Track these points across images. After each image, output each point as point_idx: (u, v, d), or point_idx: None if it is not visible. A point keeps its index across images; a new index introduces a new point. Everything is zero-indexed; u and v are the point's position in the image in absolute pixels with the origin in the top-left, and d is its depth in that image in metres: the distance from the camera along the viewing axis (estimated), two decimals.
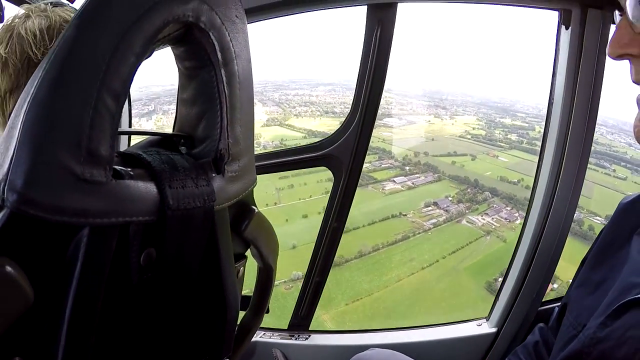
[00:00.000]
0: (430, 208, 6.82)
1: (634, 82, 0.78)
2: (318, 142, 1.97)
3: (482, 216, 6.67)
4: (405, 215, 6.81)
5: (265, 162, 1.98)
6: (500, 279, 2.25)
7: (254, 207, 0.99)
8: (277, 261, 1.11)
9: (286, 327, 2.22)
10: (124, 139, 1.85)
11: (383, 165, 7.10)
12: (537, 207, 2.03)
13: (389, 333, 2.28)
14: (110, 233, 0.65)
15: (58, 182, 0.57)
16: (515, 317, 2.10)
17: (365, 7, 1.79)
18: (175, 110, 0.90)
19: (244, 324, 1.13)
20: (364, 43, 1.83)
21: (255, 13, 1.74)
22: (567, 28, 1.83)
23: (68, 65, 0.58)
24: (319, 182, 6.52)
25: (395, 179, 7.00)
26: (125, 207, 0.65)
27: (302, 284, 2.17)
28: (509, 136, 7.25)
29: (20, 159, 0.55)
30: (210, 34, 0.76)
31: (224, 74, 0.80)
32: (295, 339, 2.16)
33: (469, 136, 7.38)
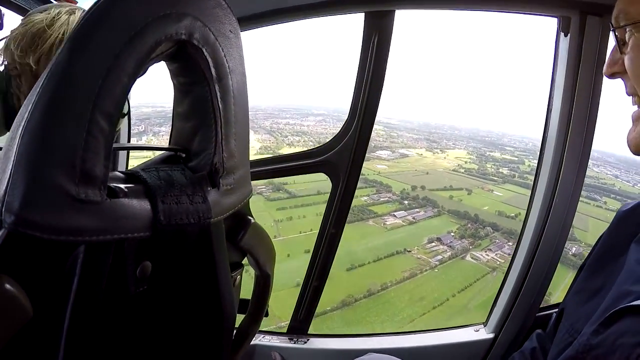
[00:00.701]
0: (434, 244, 6.87)
1: (627, 94, 0.90)
2: (316, 148, 1.98)
3: (485, 252, 6.76)
4: (410, 251, 6.84)
5: (264, 168, 1.99)
6: None
7: (249, 217, 1.00)
8: (274, 269, 1.12)
9: (285, 331, 2.23)
10: (122, 152, 1.87)
11: (382, 199, 7.16)
12: (535, 212, 2.04)
13: (386, 338, 2.29)
14: (106, 249, 0.66)
15: (54, 203, 0.58)
16: (512, 323, 2.11)
17: (363, 15, 1.80)
18: (170, 126, 0.91)
19: (242, 329, 1.13)
20: (362, 50, 1.84)
21: (251, 21, 1.75)
22: (566, 35, 1.84)
23: (61, 88, 0.59)
24: (318, 214, 6.53)
25: (395, 213, 7.06)
26: (119, 225, 0.66)
27: (300, 288, 2.19)
28: (500, 170, 7.36)
29: (16, 181, 0.56)
30: (204, 50, 0.77)
31: (218, 90, 0.81)
32: (294, 343, 2.17)
33: (462, 170, 7.48)
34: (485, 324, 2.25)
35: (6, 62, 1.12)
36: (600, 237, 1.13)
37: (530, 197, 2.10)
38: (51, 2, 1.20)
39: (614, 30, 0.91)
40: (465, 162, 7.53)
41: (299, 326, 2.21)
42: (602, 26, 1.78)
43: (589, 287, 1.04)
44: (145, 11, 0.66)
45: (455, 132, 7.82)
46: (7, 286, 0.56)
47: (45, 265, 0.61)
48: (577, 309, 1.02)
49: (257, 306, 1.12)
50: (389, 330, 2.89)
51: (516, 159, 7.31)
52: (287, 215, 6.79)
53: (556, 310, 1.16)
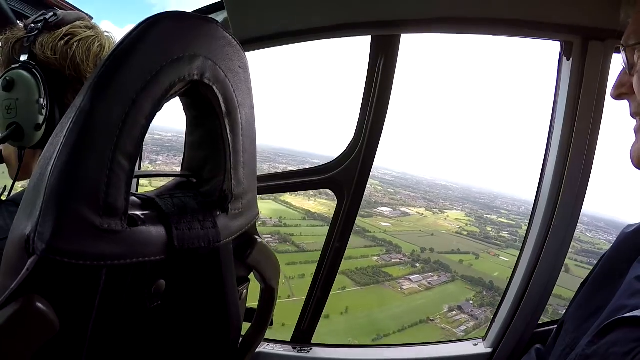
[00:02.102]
0: (455, 312, 6.79)
1: (631, 115, 0.92)
2: (322, 165, 2.03)
3: None
4: (433, 320, 6.75)
5: (271, 184, 2.04)
6: None
7: (256, 236, 1.06)
8: (279, 283, 1.17)
9: (289, 340, 2.26)
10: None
11: (393, 260, 7.12)
12: (535, 229, 2.06)
13: (388, 349, 2.32)
14: (125, 270, 0.73)
15: (80, 233, 0.65)
16: (511, 337, 2.13)
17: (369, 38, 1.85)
18: (183, 154, 0.97)
19: (248, 338, 1.18)
20: (368, 73, 1.90)
21: (258, 43, 1.80)
22: (568, 59, 1.86)
23: (85, 133, 0.65)
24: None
25: (410, 277, 7.00)
26: (138, 250, 0.73)
27: (305, 299, 2.22)
28: (501, 234, 7.30)
29: (47, 214, 0.62)
30: (215, 87, 0.83)
31: (228, 123, 0.87)
32: (298, 352, 2.19)
33: (465, 232, 7.44)
34: (484, 338, 2.27)
35: (71, 75, 1.10)
36: (603, 256, 1.14)
37: (532, 212, 2.12)
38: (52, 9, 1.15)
39: (624, 51, 0.92)
40: (466, 225, 7.53)
41: (302, 336, 2.24)
42: (604, 51, 1.80)
43: (590, 304, 1.06)
44: (160, 57, 0.72)
45: (449, 192, 7.83)
46: (38, 304, 0.63)
47: (72, 286, 0.67)
48: (578, 325, 1.04)
49: (262, 317, 1.18)
50: None
51: (513, 222, 7.33)
52: (298, 272, 6.72)
53: (555, 326, 1.17)
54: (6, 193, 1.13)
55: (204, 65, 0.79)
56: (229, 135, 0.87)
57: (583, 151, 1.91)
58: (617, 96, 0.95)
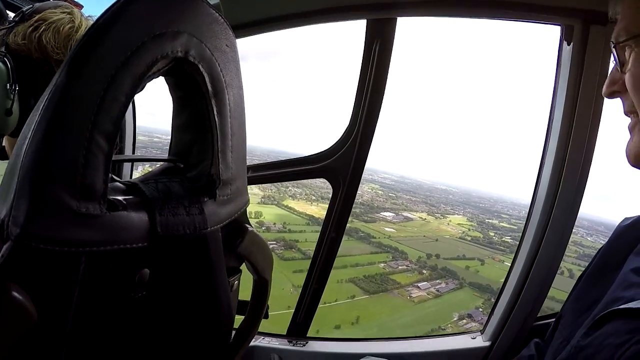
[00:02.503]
0: (465, 321, 6.79)
1: (625, 114, 0.91)
2: (316, 154, 2.00)
3: None
4: (445, 329, 6.74)
5: (266, 173, 2.01)
6: None
7: (247, 225, 1.02)
8: (272, 274, 1.13)
9: (284, 333, 2.24)
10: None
11: (400, 267, 7.14)
12: (534, 221, 2.03)
13: (384, 343, 2.31)
14: (106, 258, 0.69)
15: (56, 217, 0.61)
16: (509, 331, 2.12)
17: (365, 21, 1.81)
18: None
19: (241, 331, 1.16)
20: (363, 57, 1.85)
21: (250, 28, 1.76)
22: (568, 44, 1.83)
23: (60, 110, 0.61)
24: (340, 281, 6.56)
25: (419, 284, 7.02)
26: (118, 236, 0.69)
27: (300, 291, 2.20)
28: (504, 239, 7.35)
29: (21, 197, 0.59)
30: (200, 66, 0.79)
31: (215, 104, 0.83)
32: (293, 345, 2.18)
33: (468, 238, 7.49)
34: (482, 331, 2.26)
35: (37, 57, 1.11)
36: (600, 249, 1.14)
37: (530, 205, 2.10)
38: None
39: (614, 49, 0.91)
40: (469, 230, 7.57)
41: (298, 329, 2.23)
42: (606, 35, 1.76)
43: (587, 297, 1.05)
44: (140, 32, 0.68)
45: (450, 196, 7.87)
46: (14, 294, 0.59)
47: (49, 274, 0.64)
48: (575, 318, 1.04)
49: (256, 310, 1.14)
50: None
51: (515, 227, 7.37)
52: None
53: (553, 319, 1.17)
54: None
55: (189, 42, 0.75)
56: (216, 117, 0.84)
57: (584, 139, 1.88)
58: (610, 94, 0.94)
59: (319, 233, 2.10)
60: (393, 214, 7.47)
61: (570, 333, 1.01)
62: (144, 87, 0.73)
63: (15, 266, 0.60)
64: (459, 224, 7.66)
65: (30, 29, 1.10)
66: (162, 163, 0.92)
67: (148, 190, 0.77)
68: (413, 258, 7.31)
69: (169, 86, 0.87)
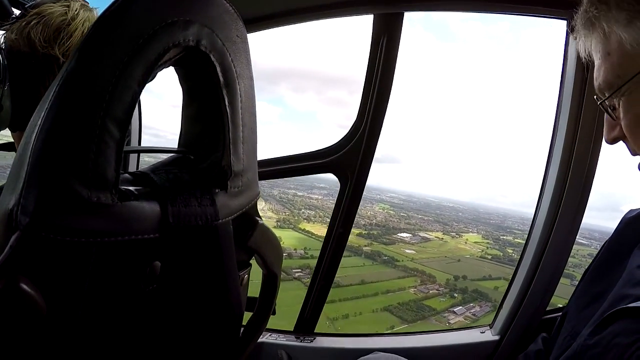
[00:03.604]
0: None
1: (632, 154, 0.92)
2: (324, 149, 1.99)
3: None
4: None
5: (273, 168, 2.01)
6: None
7: (257, 218, 1.02)
8: (281, 268, 1.13)
9: (292, 330, 2.24)
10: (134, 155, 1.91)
11: (431, 291, 7.03)
12: (543, 214, 2.03)
13: (392, 338, 2.32)
14: (117, 249, 0.68)
15: (67, 205, 0.60)
16: (518, 325, 2.11)
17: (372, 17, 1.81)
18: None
19: (250, 327, 1.15)
20: (370, 52, 1.85)
21: (258, 23, 1.77)
22: (575, 37, 1.82)
23: (72, 97, 0.61)
24: (375, 311, 6.41)
25: (454, 309, 6.91)
26: (130, 226, 0.68)
27: (307, 288, 2.20)
28: None
29: (31, 185, 0.58)
30: (211, 56, 0.78)
31: (226, 94, 0.82)
32: (301, 341, 2.17)
33: (489, 257, 7.40)
34: (491, 325, 2.25)
35: (26, 51, 1.10)
36: (604, 243, 1.14)
37: (539, 197, 2.10)
38: None
39: (601, 104, 0.92)
40: (487, 248, 7.47)
41: (305, 325, 2.22)
42: None
43: (591, 291, 1.05)
44: (153, 20, 0.68)
45: (459, 214, 7.78)
46: (23, 286, 0.58)
47: (59, 265, 0.62)
48: (579, 312, 1.04)
49: (265, 305, 1.14)
50: None
51: None
52: (341, 312, 6.32)
53: (561, 314, 1.17)
54: None
55: (200, 32, 0.75)
56: (227, 108, 0.83)
57: (592, 131, 1.88)
58: (612, 141, 0.95)
59: (327, 229, 2.09)
60: (410, 235, 7.36)
61: (574, 328, 1.01)
62: (155, 76, 0.73)
63: (24, 257, 0.59)
64: (475, 242, 7.56)
65: (24, 24, 1.10)
66: (170, 154, 0.91)
67: (159, 180, 0.77)
68: (441, 281, 7.20)
69: (179, 77, 0.87)
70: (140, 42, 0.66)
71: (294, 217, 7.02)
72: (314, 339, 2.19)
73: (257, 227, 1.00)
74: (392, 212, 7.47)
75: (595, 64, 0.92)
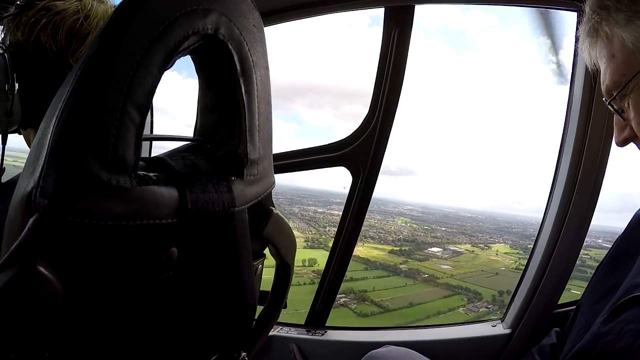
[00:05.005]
0: None
1: None
2: (336, 142, 2.00)
3: None
4: None
5: (284, 162, 2.01)
6: None
7: (272, 207, 1.02)
8: (294, 259, 1.14)
9: (303, 323, 2.25)
10: (146, 143, 1.91)
11: (481, 310, 6.89)
12: (554, 208, 2.03)
13: (403, 331, 2.32)
14: (135, 233, 0.68)
15: (86, 188, 0.61)
16: (529, 319, 2.11)
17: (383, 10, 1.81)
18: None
19: (262, 319, 1.15)
20: (382, 46, 1.86)
21: (271, 17, 1.77)
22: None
23: (93, 81, 0.61)
24: None
25: None
26: (148, 211, 0.68)
27: (319, 281, 2.21)
28: None
29: (50, 167, 0.58)
30: (229, 44, 0.79)
31: (243, 83, 0.83)
32: (312, 335, 2.18)
33: (523, 267, 7.23)
34: (502, 319, 2.25)
35: (36, 54, 1.03)
36: (617, 238, 1.15)
37: (550, 192, 2.09)
38: None
39: (609, 105, 0.95)
40: (519, 259, 7.32)
41: (316, 318, 2.23)
42: None
43: (605, 284, 1.06)
44: (173, 6, 0.68)
45: (480, 224, 7.63)
46: (40, 268, 0.58)
47: (76, 249, 0.63)
48: (593, 305, 1.05)
49: (277, 296, 1.14)
50: None
51: None
52: None
53: (572, 307, 1.19)
54: None
55: (219, 20, 0.76)
56: (244, 96, 0.84)
57: (603, 122, 1.89)
58: (622, 142, 0.97)
59: (338, 223, 2.11)
60: (440, 249, 7.19)
61: (588, 320, 1.02)
62: (173, 63, 0.73)
63: (42, 240, 0.59)
64: (505, 253, 7.41)
65: (32, 21, 1.02)
66: (186, 142, 0.91)
67: (177, 165, 0.77)
68: (487, 297, 7.04)
69: (195, 66, 0.87)
70: (161, 28, 0.67)
71: (320, 235, 6.86)
72: (325, 332, 2.20)
73: (271, 216, 1.01)
74: (415, 225, 7.34)
75: (602, 68, 0.95)
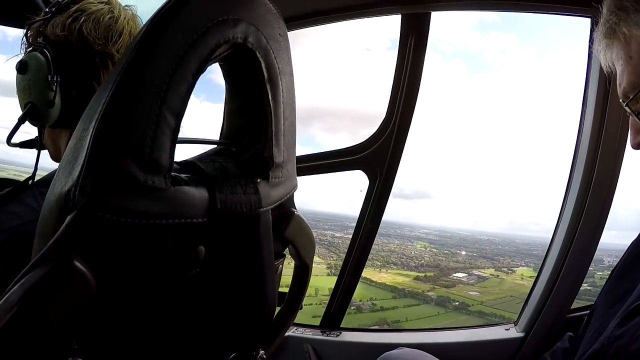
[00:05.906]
0: None
1: None
2: (353, 146, 2.03)
3: None
4: None
5: (301, 165, 2.01)
6: None
7: (293, 209, 1.06)
8: (313, 260, 1.17)
9: (318, 324, 2.27)
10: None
11: None
12: (569, 210, 2.03)
13: (417, 333, 2.32)
14: (166, 232, 0.71)
15: (123, 188, 0.64)
16: (543, 323, 2.11)
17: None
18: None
19: (279, 319, 1.18)
20: (399, 51, 1.89)
21: (290, 23, 1.80)
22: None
23: (132, 86, 0.65)
24: None
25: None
26: (180, 210, 0.71)
27: (335, 283, 2.22)
28: (583, 287, 6.89)
29: (90, 167, 0.62)
30: (257, 52, 0.82)
31: (269, 89, 0.86)
32: (327, 336, 2.19)
33: None
34: (515, 323, 2.25)
35: (79, 47, 1.08)
36: (631, 244, 1.15)
37: (564, 196, 2.10)
38: None
39: (626, 106, 0.93)
40: None
41: (331, 320, 2.25)
42: None
43: (619, 289, 1.06)
44: (206, 16, 0.72)
45: (499, 247, 7.44)
46: (76, 264, 0.61)
47: (111, 246, 0.66)
48: (607, 310, 1.05)
49: (295, 296, 1.17)
50: None
51: None
52: None
53: (587, 312, 1.18)
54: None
55: (247, 30, 0.79)
56: (270, 102, 0.87)
57: (617, 128, 1.89)
58: (638, 145, 0.96)
59: (355, 225, 2.12)
60: (465, 274, 7.02)
61: (602, 325, 1.02)
62: (205, 69, 0.77)
63: (79, 237, 0.61)
64: (530, 277, 7.19)
65: (70, 19, 1.08)
66: (212, 147, 0.95)
67: (207, 168, 0.80)
68: None
69: (223, 72, 0.91)
70: (195, 37, 0.70)
71: (340, 260, 6.59)
72: (340, 333, 2.21)
73: (293, 218, 1.04)
74: (434, 250, 7.18)
75: (618, 71, 0.94)
